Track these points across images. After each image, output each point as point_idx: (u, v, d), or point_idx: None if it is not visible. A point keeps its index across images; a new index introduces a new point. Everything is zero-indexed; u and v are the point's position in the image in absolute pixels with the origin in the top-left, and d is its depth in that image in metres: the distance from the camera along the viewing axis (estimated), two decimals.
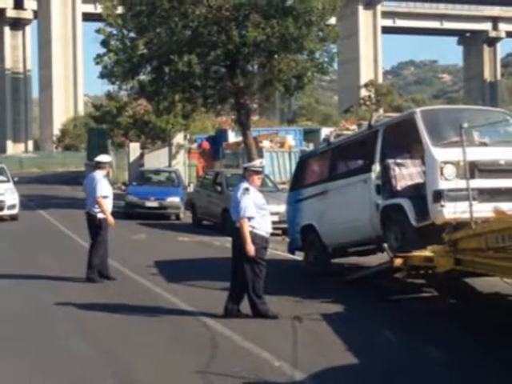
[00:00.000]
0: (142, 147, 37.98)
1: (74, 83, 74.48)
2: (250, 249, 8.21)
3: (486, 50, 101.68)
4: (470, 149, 8.57)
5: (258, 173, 8.77)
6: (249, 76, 24.55)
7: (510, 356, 6.75)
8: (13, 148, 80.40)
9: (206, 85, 24.67)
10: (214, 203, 19.10)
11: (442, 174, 8.75)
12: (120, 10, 26.37)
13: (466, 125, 8.57)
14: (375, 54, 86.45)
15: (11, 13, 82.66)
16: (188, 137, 36.25)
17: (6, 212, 20.49)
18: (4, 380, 6.24)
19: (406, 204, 9.19)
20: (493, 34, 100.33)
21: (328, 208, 11.08)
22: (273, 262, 10.19)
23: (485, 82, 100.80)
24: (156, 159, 33.81)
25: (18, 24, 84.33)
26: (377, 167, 9.85)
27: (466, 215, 8.27)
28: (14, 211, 20.72)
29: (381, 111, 55.49)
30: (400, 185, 9.62)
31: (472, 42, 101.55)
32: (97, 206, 11.06)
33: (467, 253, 8.23)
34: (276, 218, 14.06)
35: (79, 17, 74.49)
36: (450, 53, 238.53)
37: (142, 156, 36.28)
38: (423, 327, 8.15)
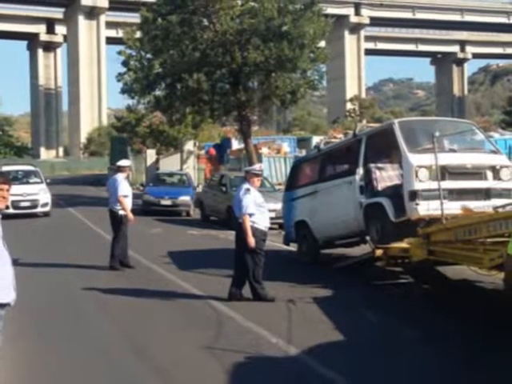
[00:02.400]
0: (158, 153, 37.98)
1: (99, 98, 74.41)
2: (251, 241, 8.23)
3: (455, 69, 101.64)
4: (441, 154, 8.59)
5: (257, 175, 8.79)
6: (250, 92, 24.56)
7: (475, 330, 6.77)
8: (46, 154, 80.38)
9: (213, 99, 24.70)
10: (220, 201, 19.09)
11: (416, 176, 8.76)
12: (138, 34, 26.43)
13: (437, 134, 8.60)
14: (359, 72, 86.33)
15: (44, 37, 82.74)
16: (197, 144, 36.27)
17: (39, 209, 20.56)
18: (39, 353, 6.26)
19: (386, 202, 9.20)
20: (461, 55, 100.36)
21: (318, 206, 11.09)
22: (270, 252, 10.19)
23: (454, 97, 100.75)
24: (169, 163, 33.83)
25: (49, 47, 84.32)
26: (360, 170, 9.86)
27: (438, 212, 8.28)
28: (47, 208, 20.77)
29: (364, 122, 55.44)
30: (380, 186, 9.63)
31: (443, 62, 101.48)
32: (118, 204, 11.07)
33: (439, 244, 8.25)
34: (273, 215, 14.02)
35: (103, 40, 74.43)
36: (423, 71, 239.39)
37: (157, 161, 36.28)
38: (400, 308, 8.16)
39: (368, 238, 9.97)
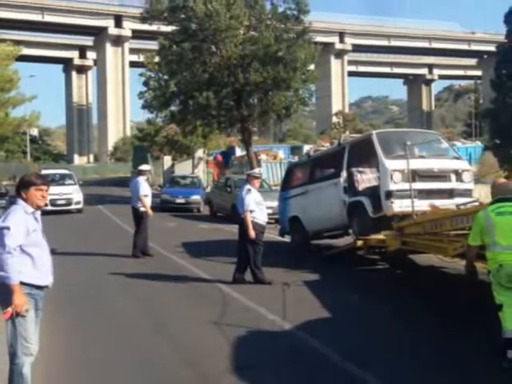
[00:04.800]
0: (173, 159, 37.93)
1: (123, 113, 74.26)
2: (252, 233, 8.24)
3: (424, 88, 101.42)
4: (412, 160, 8.58)
5: (257, 178, 8.80)
6: (250, 107, 24.57)
7: (441, 307, 6.77)
8: (78, 160, 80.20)
9: (220, 114, 24.72)
10: (225, 200, 19.06)
11: (391, 178, 8.75)
12: (157, 59, 26.44)
13: (409, 143, 8.59)
14: (343, 91, 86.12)
15: (77, 61, 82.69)
16: (206, 152, 36.27)
17: (73, 206, 20.55)
18: (73, 328, 6.26)
19: (366, 201, 9.19)
20: (429, 76, 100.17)
21: (309, 204, 11.07)
22: (268, 243, 10.18)
23: (423, 112, 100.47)
24: (183, 168, 33.80)
25: (82, 69, 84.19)
26: (344, 174, 9.84)
27: (409, 209, 8.27)
28: (79, 206, 20.76)
29: (347, 133, 55.36)
30: (361, 187, 9.61)
31: (413, 83, 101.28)
32: (140, 202, 11.07)
33: (410, 236, 8.24)
34: (270, 211, 13.93)
35: (127, 64, 74.27)
36: (397, 90, 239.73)
37: (172, 165, 36.23)
38: (378, 290, 8.15)
39: (350, 230, 9.97)
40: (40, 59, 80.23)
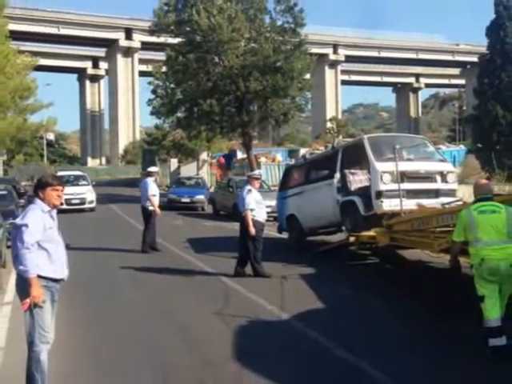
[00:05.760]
0: (179, 161, 37.92)
1: (133, 118, 74.10)
2: (252, 230, 8.24)
3: (411, 96, 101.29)
4: (401, 162, 8.58)
5: (257, 179, 8.81)
6: (251, 114, 24.57)
7: (428, 299, 6.76)
8: (91, 162, 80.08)
9: (222, 119, 24.72)
10: (228, 199, 19.04)
11: (381, 179, 8.74)
12: (164, 68, 26.44)
13: (397, 146, 8.60)
14: (336, 98, 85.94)
15: (90, 71, 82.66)
16: (210, 154, 36.24)
17: (86, 205, 20.51)
18: (87, 318, 6.26)
19: (357, 200, 9.18)
20: (416, 85, 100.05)
21: (305, 203, 11.06)
22: (267, 239, 10.18)
23: (410, 118, 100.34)
24: (188, 170, 33.76)
25: (95, 78, 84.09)
26: (337, 175, 9.82)
27: (398, 207, 8.28)
28: (92, 205, 20.73)
29: (340, 137, 55.30)
30: (353, 187, 9.59)
31: (402, 91, 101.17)
32: (148, 201, 11.07)
33: (399, 233, 8.24)
34: (269, 210, 13.94)
35: (136, 73, 74.13)
36: (387, 98, 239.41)
37: (178, 167, 36.20)
38: (369, 283, 8.15)
39: (343, 227, 9.96)
40: (56, 69, 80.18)
